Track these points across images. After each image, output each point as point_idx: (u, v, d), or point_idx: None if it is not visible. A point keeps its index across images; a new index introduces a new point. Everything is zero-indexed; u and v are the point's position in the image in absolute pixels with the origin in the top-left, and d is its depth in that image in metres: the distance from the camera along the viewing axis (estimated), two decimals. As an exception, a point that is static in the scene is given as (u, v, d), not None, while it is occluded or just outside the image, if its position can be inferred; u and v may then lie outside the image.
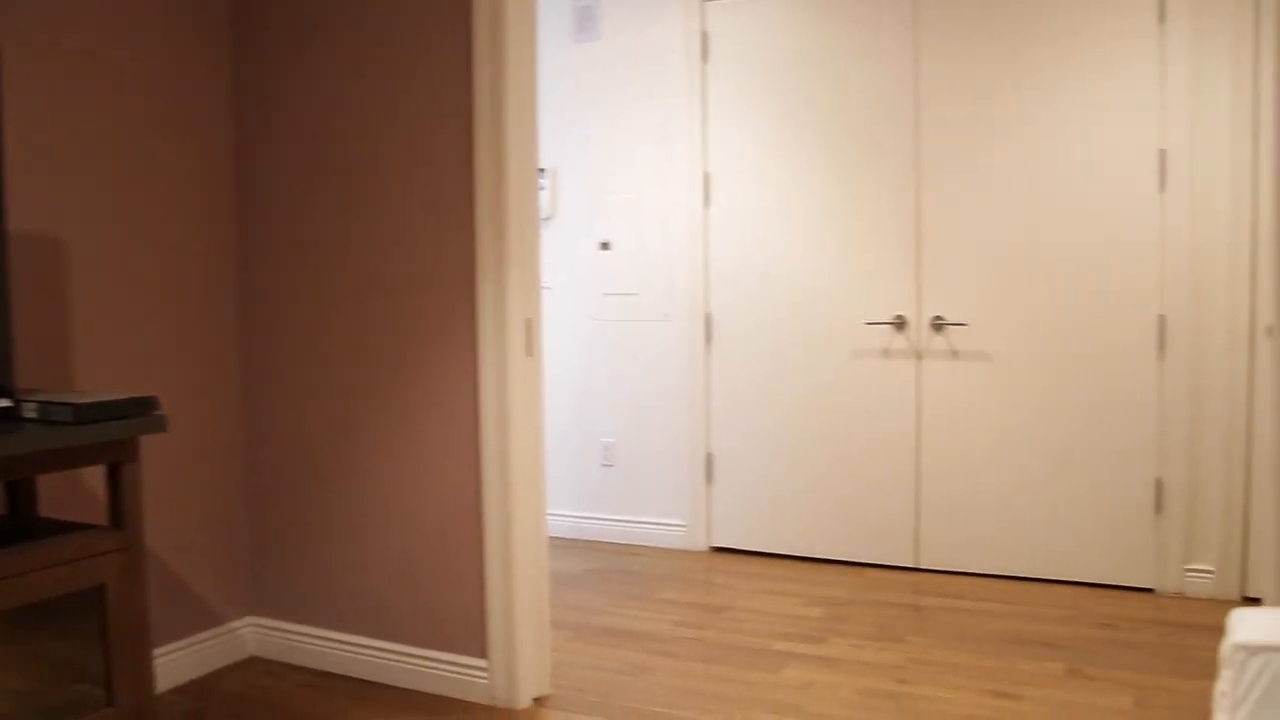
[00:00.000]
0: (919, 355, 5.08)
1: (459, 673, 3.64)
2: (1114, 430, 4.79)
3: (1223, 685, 2.28)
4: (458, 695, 3.63)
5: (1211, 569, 4.67)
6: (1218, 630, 4.27)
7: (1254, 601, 4.60)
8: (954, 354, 5.01)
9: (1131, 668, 3.90)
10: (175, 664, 3.75)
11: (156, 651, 3.69)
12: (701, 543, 5.57)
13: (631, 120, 5.62)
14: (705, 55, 5.42)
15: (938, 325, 5.04)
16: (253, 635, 4.05)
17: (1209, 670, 3.86)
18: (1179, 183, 4.61)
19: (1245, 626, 2.29)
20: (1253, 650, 2.23)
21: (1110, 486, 4.81)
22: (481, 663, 3.60)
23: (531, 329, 3.55)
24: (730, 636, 4.27)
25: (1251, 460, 4.59)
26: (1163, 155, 4.64)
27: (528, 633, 3.58)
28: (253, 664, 3.99)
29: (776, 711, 3.53)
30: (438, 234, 3.57)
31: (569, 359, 5.85)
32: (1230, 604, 4.59)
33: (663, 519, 5.65)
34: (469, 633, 3.62)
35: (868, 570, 5.20)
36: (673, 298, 5.56)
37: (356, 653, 3.83)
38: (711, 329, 5.50)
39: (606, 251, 5.71)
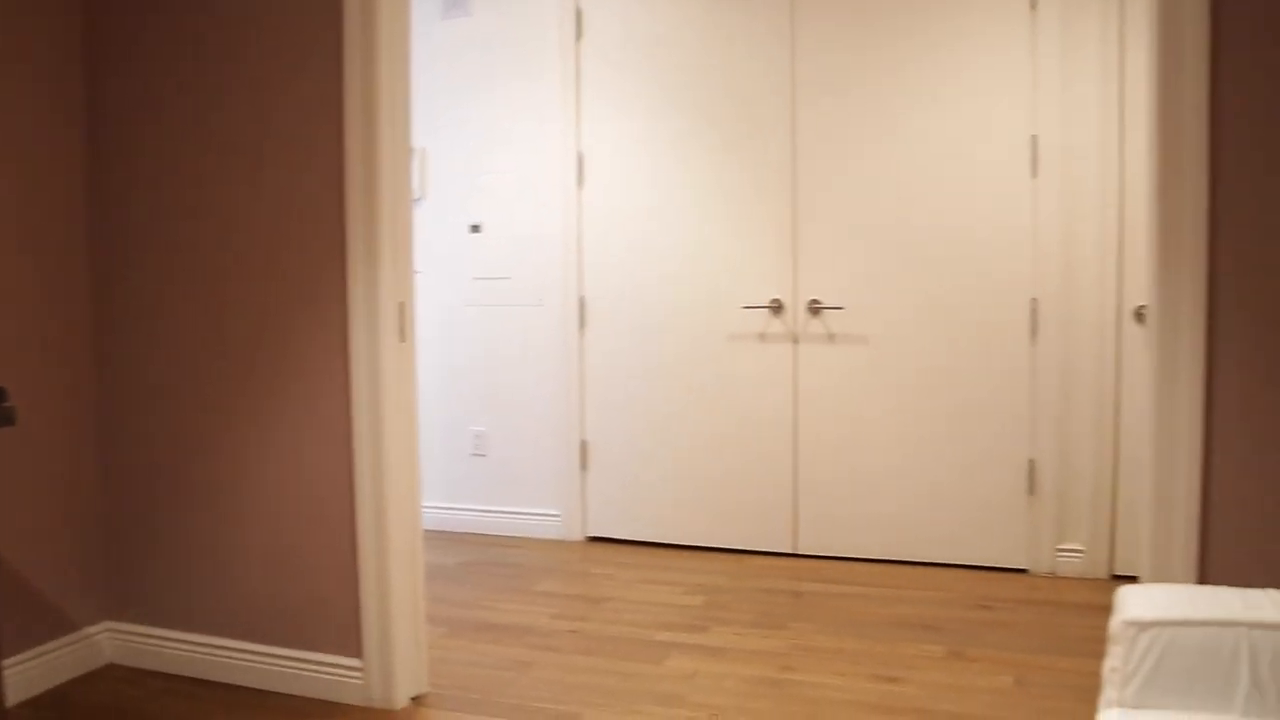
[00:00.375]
0: (796, 339, 5.06)
1: (332, 673, 3.49)
2: (988, 413, 4.83)
3: (1113, 662, 2.27)
4: (331, 697, 3.49)
5: (1082, 548, 4.74)
6: (1090, 608, 4.33)
7: (1124, 579, 4.68)
8: (830, 337, 5.00)
9: (1010, 648, 3.93)
10: (26, 675, 3.53)
11: (5, 662, 3.47)
12: (577, 533, 5.47)
13: (502, 99, 5.48)
14: (579, 33, 5.32)
15: (814, 309, 5.02)
16: (110, 641, 3.84)
17: (1085, 648, 3.91)
18: (1050, 168, 4.66)
19: (1134, 603, 2.29)
20: (1143, 626, 2.24)
21: (985, 469, 4.85)
22: (356, 662, 3.47)
23: (405, 313, 3.43)
24: (611, 628, 4.19)
25: (1120, 441, 4.67)
26: (1034, 141, 4.69)
27: (404, 630, 3.45)
28: (110, 672, 3.77)
29: (662, 702, 3.47)
30: (307, 215, 3.42)
31: (438, 345, 5.69)
32: (1100, 582, 4.67)
33: (537, 509, 5.55)
34: (342, 631, 3.48)
35: (746, 557, 5.16)
36: (545, 282, 5.45)
37: (222, 656, 3.65)
38: (585, 313, 5.40)
39: (477, 234, 5.57)
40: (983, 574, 4.83)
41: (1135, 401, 4.64)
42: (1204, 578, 2.80)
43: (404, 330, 3.42)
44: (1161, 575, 2.84)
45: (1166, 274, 2.78)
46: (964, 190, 4.79)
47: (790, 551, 5.15)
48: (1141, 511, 2.89)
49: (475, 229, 5.56)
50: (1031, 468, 4.78)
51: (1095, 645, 3.92)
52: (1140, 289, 4.60)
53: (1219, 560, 2.79)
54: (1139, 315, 4.62)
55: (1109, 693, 2.28)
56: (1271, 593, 2.26)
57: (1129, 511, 4.67)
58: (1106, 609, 4.31)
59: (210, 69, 3.53)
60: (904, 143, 4.87)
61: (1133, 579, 4.65)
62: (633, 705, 3.45)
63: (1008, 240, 4.75)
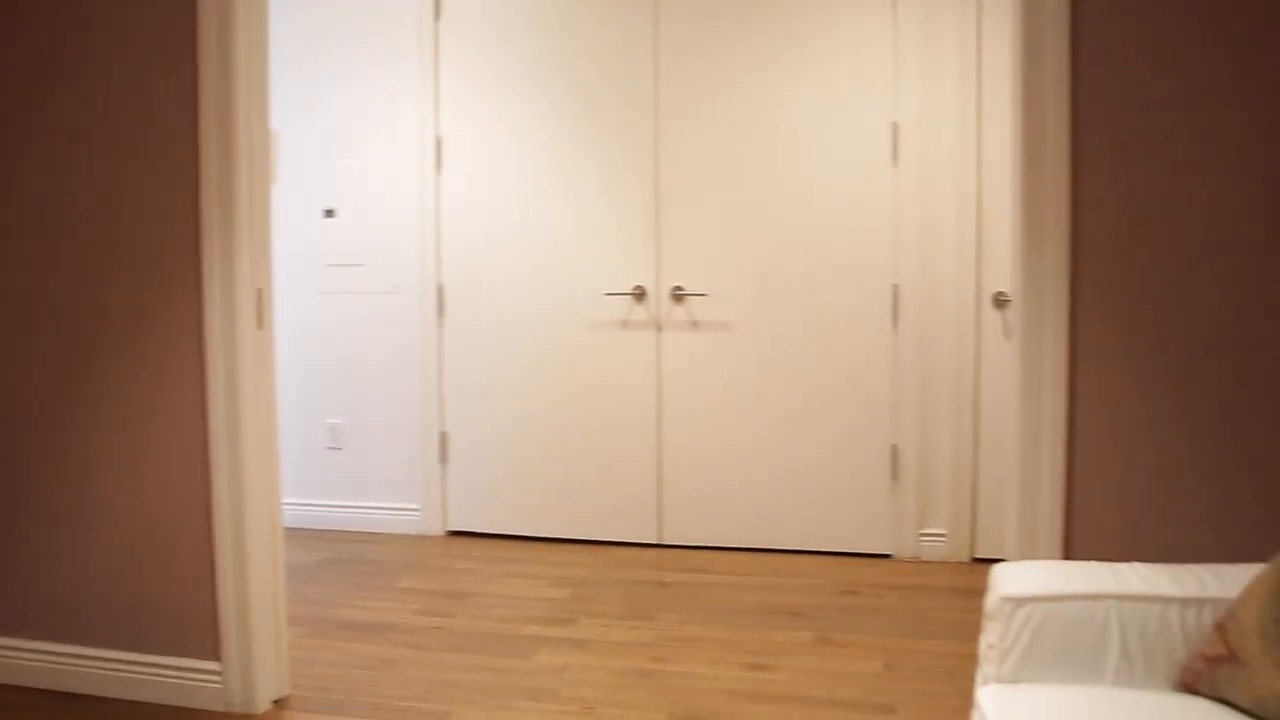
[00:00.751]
0: (659, 326, 5.01)
1: (189, 678, 3.33)
2: (851, 399, 4.85)
3: (990, 638, 2.29)
4: (189, 703, 3.33)
5: (944, 532, 4.80)
6: (954, 591, 4.38)
7: (986, 562, 4.75)
8: (694, 325, 4.97)
9: (877, 632, 3.95)
10: None
11: None
12: (437, 527, 5.33)
13: (359, 81, 5.31)
14: (438, 13, 5.17)
15: (678, 296, 4.98)
16: (-62, 650, 3.61)
17: (951, 630, 3.95)
18: (911, 156, 4.70)
19: (1009, 580, 2.30)
20: (1019, 602, 2.26)
21: (849, 455, 4.87)
22: (214, 666, 3.31)
23: (263, 299, 3.28)
24: (477, 623, 4.09)
25: (980, 426, 4.74)
26: (895, 129, 4.72)
27: (265, 631, 3.31)
28: (-61, 684, 3.55)
29: (532, 697, 3.40)
30: (159, 198, 3.25)
31: (291, 334, 5.50)
32: (963, 565, 4.74)
33: (395, 504, 5.39)
34: (199, 634, 3.32)
35: (611, 548, 5.10)
36: (403, 269, 5.30)
37: (71, 665, 3.44)
38: (444, 301, 5.26)
39: (331, 219, 5.39)
40: (847, 560, 4.86)
41: (994, 386, 4.71)
42: (1069, 555, 2.83)
43: (262, 318, 3.27)
44: (1028, 554, 2.87)
45: (1030, 261, 2.81)
46: (826, 177, 4.81)
47: (655, 542, 5.10)
48: (1007, 492, 2.91)
49: (329, 214, 5.38)
50: (894, 453, 4.82)
51: (962, 628, 3.97)
52: (999, 275, 4.67)
53: (1082, 538, 2.83)
54: (998, 301, 4.69)
55: (986, 669, 2.29)
56: (1138, 566, 2.31)
57: (989, 495, 4.74)
58: (970, 592, 4.38)
59: (64, 52, 3.34)
60: (767, 129, 4.86)
61: (994, 561, 4.73)
62: (503, 701, 3.37)
63: (870, 227, 4.78)
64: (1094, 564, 2.34)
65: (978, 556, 4.80)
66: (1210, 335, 2.70)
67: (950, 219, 4.69)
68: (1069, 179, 2.77)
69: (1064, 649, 2.20)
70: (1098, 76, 2.73)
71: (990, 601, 2.29)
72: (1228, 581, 2.21)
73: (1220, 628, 2.07)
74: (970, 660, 3.67)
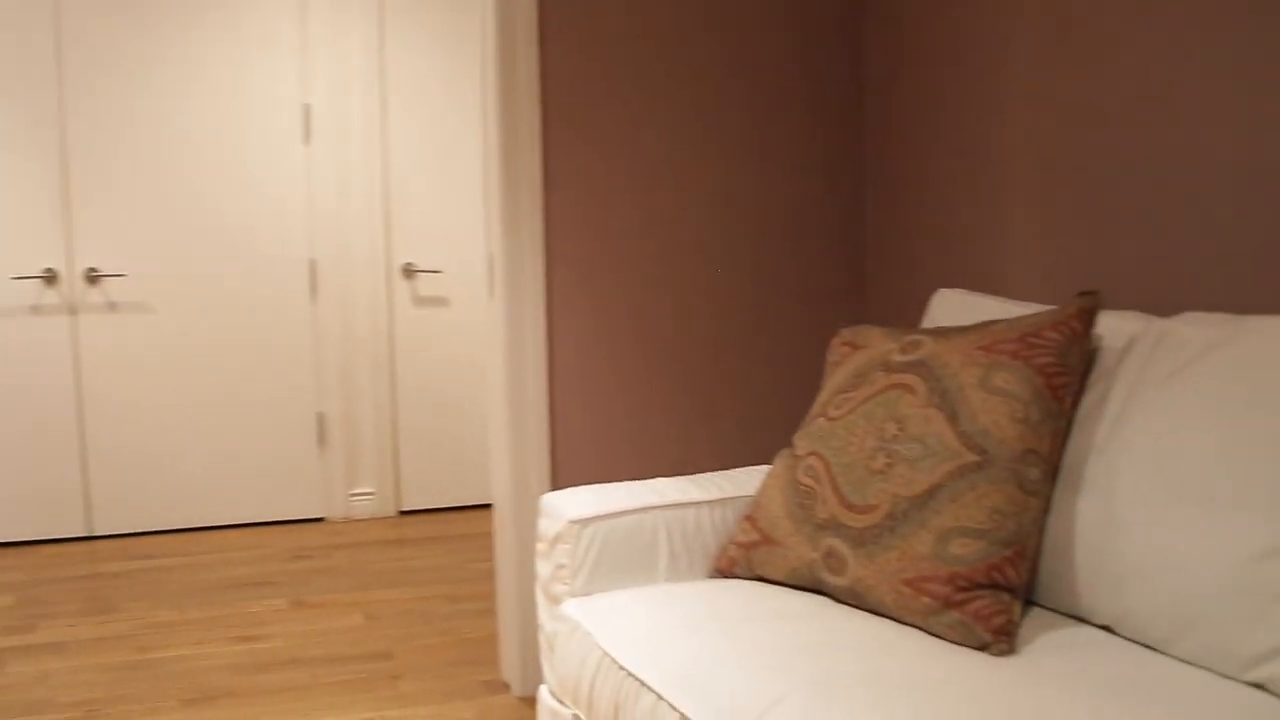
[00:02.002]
0: (74, 310, 4.74)
1: None
2: (276, 372, 4.96)
3: (559, 559, 2.61)
4: None
5: (372, 491, 5.08)
6: (391, 543, 4.71)
7: (411, 514, 5.10)
8: (113, 307, 4.78)
9: (343, 589, 4.17)
10: None
11: None
12: None
13: None
14: None
15: (93, 277, 4.75)
16: None
17: (404, 578, 4.29)
18: (323, 136, 4.90)
19: (570, 506, 2.63)
20: (584, 523, 2.59)
21: (277, 427, 4.98)
22: None
23: None
24: (-81, 649, 3.72)
25: (397, 387, 5.06)
26: (307, 110, 4.88)
27: None
28: None
29: (28, 712, 3.20)
30: None
31: None
32: (391, 519, 5.07)
33: None
34: None
35: (39, 548, 4.75)
36: None
37: None
38: None
39: None
40: (286, 527, 4.98)
41: (408, 350, 5.06)
42: (556, 488, 3.25)
43: None
44: (522, 492, 3.22)
45: (510, 234, 3.14)
46: (241, 156, 4.85)
47: (85, 535, 4.84)
48: (493, 437, 3.27)
49: None
50: (320, 420, 5.01)
51: (412, 574, 4.32)
52: (407, 247, 5.02)
53: (565, 474, 3.26)
54: (407, 271, 5.03)
55: (558, 588, 2.61)
56: (671, 480, 2.75)
57: (411, 451, 5.09)
58: (405, 542, 4.72)
59: None
60: (180, 108, 4.79)
61: (420, 513, 5.11)
62: (-2, 722, 3.16)
63: (286, 205, 4.90)
64: (633, 484, 2.74)
65: (404, 509, 5.14)
66: (665, 296, 3.28)
67: (361, 197, 4.95)
68: (541, 162, 3.16)
69: (624, 558, 2.58)
70: (562, 80, 3.15)
71: (554, 527, 2.61)
72: (739, 483, 2.71)
73: (750, 519, 2.56)
74: (433, 601, 4.01)
